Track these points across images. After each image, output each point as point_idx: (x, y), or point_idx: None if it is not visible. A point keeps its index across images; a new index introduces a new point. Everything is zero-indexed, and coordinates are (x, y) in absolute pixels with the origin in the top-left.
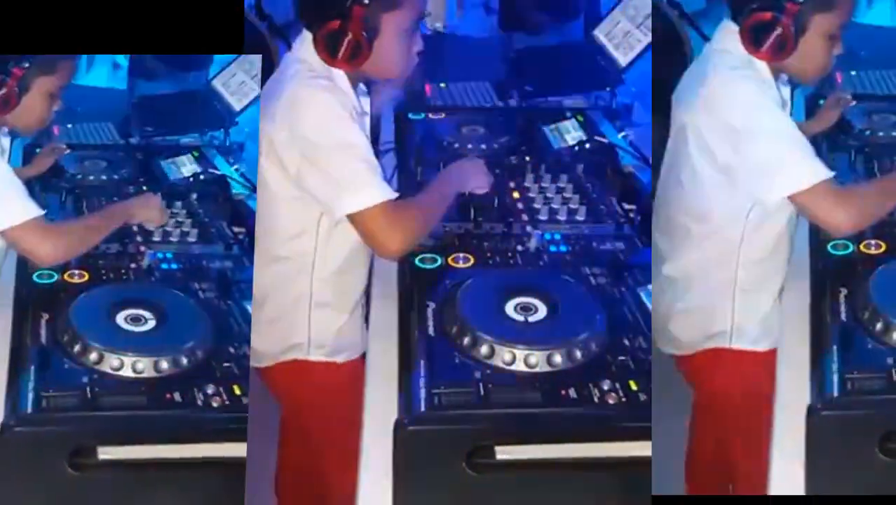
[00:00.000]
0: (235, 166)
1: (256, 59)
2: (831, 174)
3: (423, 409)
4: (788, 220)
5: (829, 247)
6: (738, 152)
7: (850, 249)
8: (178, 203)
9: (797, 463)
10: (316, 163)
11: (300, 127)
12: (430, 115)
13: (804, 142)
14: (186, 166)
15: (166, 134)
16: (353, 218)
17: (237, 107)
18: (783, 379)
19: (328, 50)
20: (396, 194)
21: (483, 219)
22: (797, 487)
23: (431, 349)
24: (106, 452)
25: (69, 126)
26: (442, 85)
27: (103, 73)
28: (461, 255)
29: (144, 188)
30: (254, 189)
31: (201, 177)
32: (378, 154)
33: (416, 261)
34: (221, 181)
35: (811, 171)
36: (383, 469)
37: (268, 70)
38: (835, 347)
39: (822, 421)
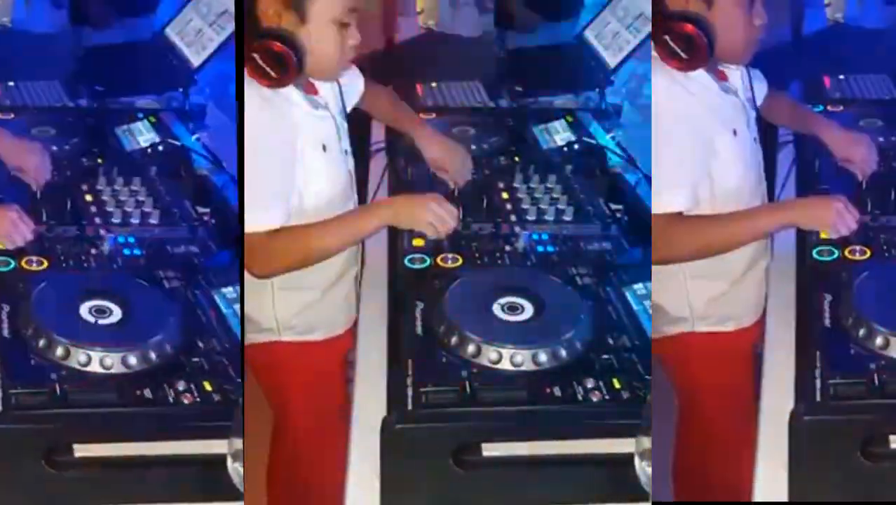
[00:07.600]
0: (196, 135)
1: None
2: (682, 207)
3: (410, 407)
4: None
5: (814, 253)
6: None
7: (835, 255)
8: (137, 179)
9: (780, 469)
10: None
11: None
12: (421, 115)
13: (685, 163)
14: (143, 134)
15: (118, 95)
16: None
17: (195, 61)
18: (766, 385)
19: (256, 73)
20: (279, 223)
21: (471, 219)
22: (780, 493)
23: (419, 348)
24: (81, 450)
25: (10, 84)
26: (433, 84)
27: (42, 14)
28: (449, 255)
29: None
30: (218, 163)
31: (160, 147)
32: (368, 153)
33: (406, 261)
34: (182, 153)
35: (669, 198)
36: (371, 467)
37: None
38: (818, 353)
39: (805, 426)
